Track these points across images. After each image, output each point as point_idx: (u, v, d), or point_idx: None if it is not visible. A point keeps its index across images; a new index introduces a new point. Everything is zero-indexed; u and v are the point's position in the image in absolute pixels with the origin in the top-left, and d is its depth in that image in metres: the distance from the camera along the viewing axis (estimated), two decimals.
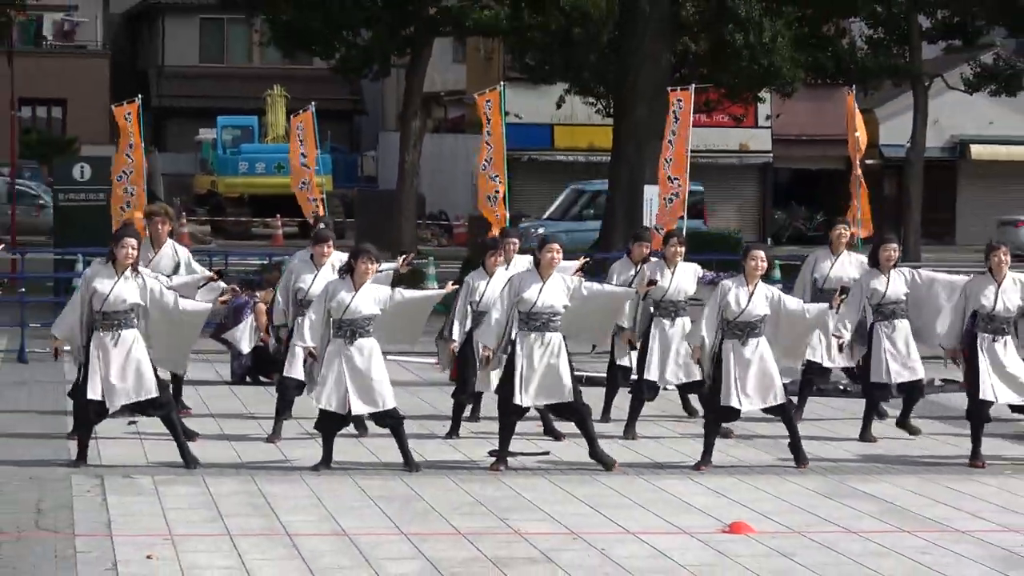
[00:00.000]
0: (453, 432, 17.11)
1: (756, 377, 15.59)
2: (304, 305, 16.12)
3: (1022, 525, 13.52)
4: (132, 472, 14.95)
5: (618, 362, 18.05)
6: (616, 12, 34.78)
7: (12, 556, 11.76)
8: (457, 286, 17.17)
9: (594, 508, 13.87)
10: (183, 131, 64.94)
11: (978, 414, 16.30)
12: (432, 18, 36.11)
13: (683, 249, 17.56)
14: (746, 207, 55.54)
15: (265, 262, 30.73)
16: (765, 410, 15.89)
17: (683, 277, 17.44)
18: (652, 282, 17.17)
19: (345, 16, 34.76)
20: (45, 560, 11.67)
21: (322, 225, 18.17)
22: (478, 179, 23.91)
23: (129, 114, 23.97)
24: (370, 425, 16.27)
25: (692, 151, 25.61)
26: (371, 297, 15.16)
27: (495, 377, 15.86)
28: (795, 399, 17.56)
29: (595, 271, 18.42)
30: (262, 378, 20.84)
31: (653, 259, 17.73)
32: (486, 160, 23.35)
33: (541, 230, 39.37)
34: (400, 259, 17.62)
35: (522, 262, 17.08)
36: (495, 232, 21.38)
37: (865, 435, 17.45)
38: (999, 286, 16.14)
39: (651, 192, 26.59)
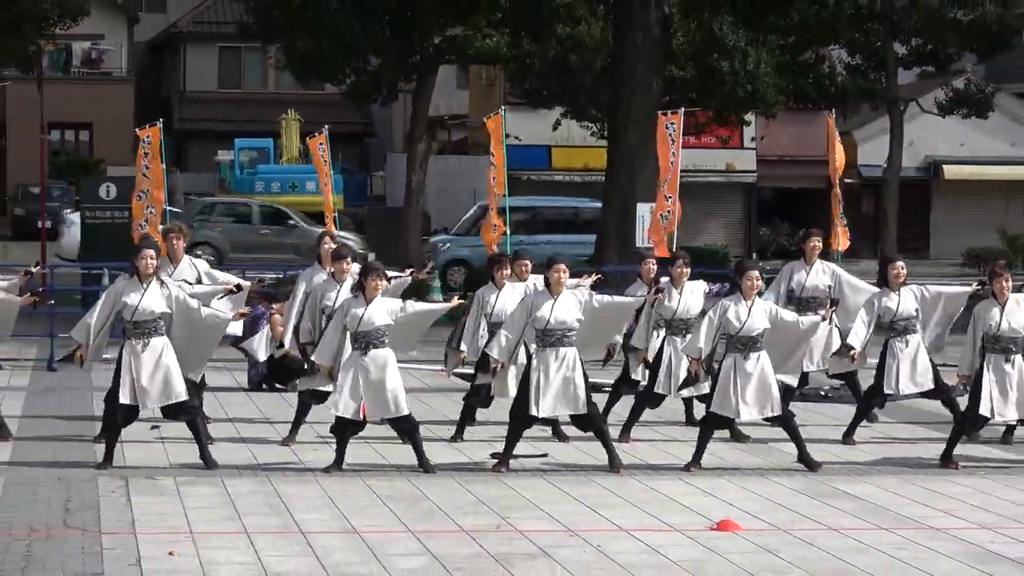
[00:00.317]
0: (458, 435, 17.09)
1: (756, 389, 15.59)
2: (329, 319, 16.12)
3: (994, 523, 13.50)
4: (155, 474, 14.94)
5: (632, 376, 18.02)
6: (609, 41, 34.79)
7: (42, 553, 11.75)
8: (462, 301, 17.20)
9: (590, 507, 13.86)
10: (203, 152, 64.91)
11: (971, 424, 16.31)
12: (437, 47, 36.13)
13: (688, 270, 17.50)
14: (732, 224, 55.55)
15: (280, 276, 30.79)
16: (766, 419, 15.89)
17: (691, 296, 17.38)
18: (660, 290, 17.13)
19: (355, 45, 34.76)
20: (73, 557, 11.66)
21: (331, 243, 18.04)
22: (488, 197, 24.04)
23: (149, 136, 23.96)
24: (372, 428, 16.24)
25: (681, 171, 25.65)
26: (384, 309, 15.18)
27: (512, 384, 15.89)
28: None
29: (600, 285, 18.34)
30: (277, 385, 20.84)
31: (662, 279, 17.67)
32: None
33: (448, 244, 39.45)
34: (424, 267, 17.80)
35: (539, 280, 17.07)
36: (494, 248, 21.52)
37: (848, 438, 17.45)
38: (1003, 308, 16.14)
39: (643, 210, 26.60)
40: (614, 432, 17.09)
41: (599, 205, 38.71)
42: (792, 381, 16.99)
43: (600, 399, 17.65)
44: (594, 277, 17.86)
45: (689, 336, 16.73)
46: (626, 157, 31.67)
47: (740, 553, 12.19)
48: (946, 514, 13.85)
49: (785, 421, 15.87)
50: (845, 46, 40.39)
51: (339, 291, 16.36)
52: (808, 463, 15.75)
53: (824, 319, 16.49)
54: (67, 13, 40.53)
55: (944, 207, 55.01)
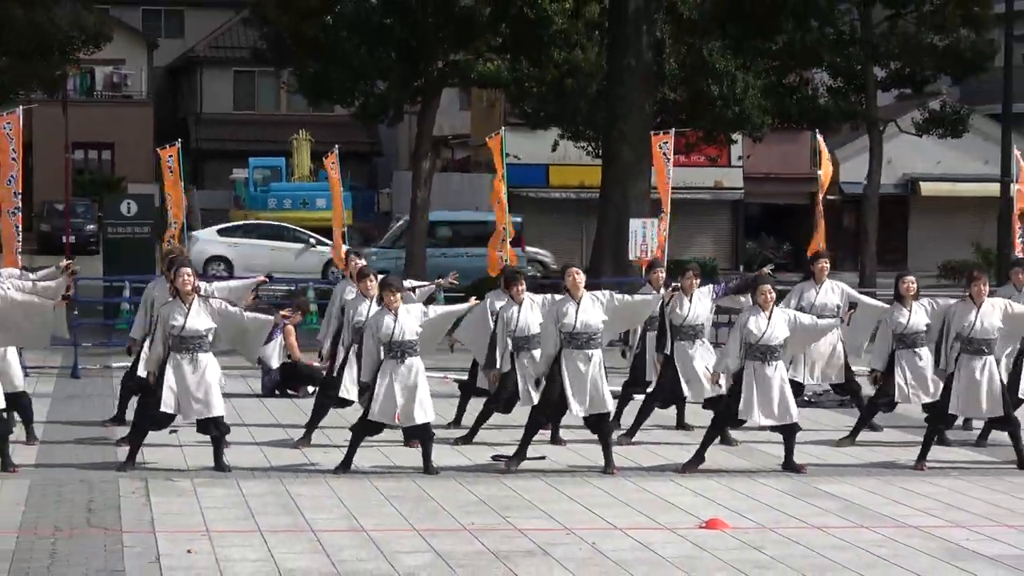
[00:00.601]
0: (470, 437, 17.10)
1: (776, 397, 15.58)
2: (360, 332, 16.19)
3: (968, 521, 13.51)
4: (173, 475, 14.94)
5: (646, 378, 18.06)
6: (604, 66, 34.82)
7: (67, 551, 11.75)
8: (478, 301, 17.26)
9: (585, 507, 13.86)
10: (219, 171, 64.93)
11: (941, 420, 16.33)
12: (441, 71, 36.11)
13: (698, 280, 17.46)
14: (720, 238, 55.54)
15: (293, 287, 30.78)
16: (772, 428, 15.89)
17: (700, 304, 17.36)
18: (676, 288, 17.15)
19: (363, 69, 34.77)
20: (96, 554, 11.66)
21: (362, 261, 18.12)
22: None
23: (171, 156, 24.01)
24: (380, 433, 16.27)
25: (672, 187, 25.71)
26: (414, 318, 15.26)
27: (535, 394, 15.93)
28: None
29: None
30: (289, 391, 20.84)
31: (674, 290, 17.56)
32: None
33: (373, 257, 39.40)
34: (446, 278, 17.90)
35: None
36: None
37: (849, 441, 17.47)
38: (979, 310, 16.14)
39: (636, 225, 26.60)
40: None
41: (518, 220, 38.94)
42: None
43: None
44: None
45: (697, 341, 17.14)
46: (620, 175, 31.68)
47: (728, 550, 12.19)
48: (923, 513, 13.86)
49: (791, 431, 15.83)
50: (827, 69, 40.41)
51: (369, 306, 16.43)
52: (793, 469, 15.74)
53: (843, 321, 17.01)
54: (90, 39, 40.58)
55: (921, 222, 55.02)
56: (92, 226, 52.39)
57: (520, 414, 16.43)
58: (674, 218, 26.03)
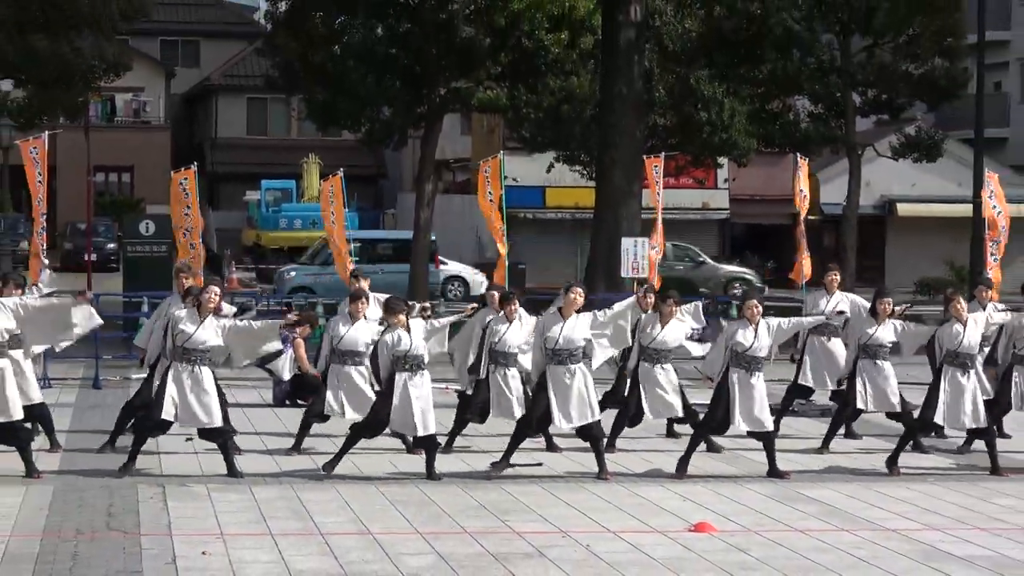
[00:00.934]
0: (448, 446, 17.05)
1: (757, 406, 15.61)
2: (336, 353, 16.16)
3: (942, 524, 13.50)
4: (189, 481, 14.93)
5: (620, 393, 18.11)
6: (597, 93, 34.84)
7: (88, 553, 11.74)
8: (476, 306, 17.36)
9: (580, 511, 13.84)
10: (233, 193, 64.98)
11: (921, 429, 16.32)
12: (443, 97, 36.12)
13: (677, 309, 17.39)
14: (708, 256, 55.52)
15: (302, 303, 30.75)
16: (750, 434, 15.89)
17: (672, 332, 17.18)
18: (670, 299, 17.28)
19: (370, 96, 34.79)
20: (115, 556, 11.65)
21: (364, 283, 18.04)
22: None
23: (186, 179, 23.97)
24: (383, 440, 16.24)
25: (663, 208, 25.73)
26: (421, 334, 15.29)
27: (518, 408, 15.89)
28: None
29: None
30: (300, 401, 20.81)
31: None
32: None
33: (293, 273, 39.35)
34: (467, 308, 18.16)
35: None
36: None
37: (823, 448, 17.49)
38: (965, 326, 16.18)
39: (627, 243, 26.59)
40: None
41: (432, 238, 39.21)
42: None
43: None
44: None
45: (659, 365, 16.96)
46: (613, 196, 31.67)
47: (715, 552, 12.18)
48: (900, 516, 13.85)
49: (768, 438, 15.85)
50: (809, 96, 40.44)
51: (350, 327, 16.40)
52: (778, 476, 15.74)
53: (827, 318, 17.45)
54: (111, 68, 40.62)
55: (898, 241, 55.02)
56: (112, 245, 52.42)
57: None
58: (664, 237, 26.02)
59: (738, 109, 37.38)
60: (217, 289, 15.45)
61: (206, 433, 15.35)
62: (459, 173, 60.42)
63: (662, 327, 17.12)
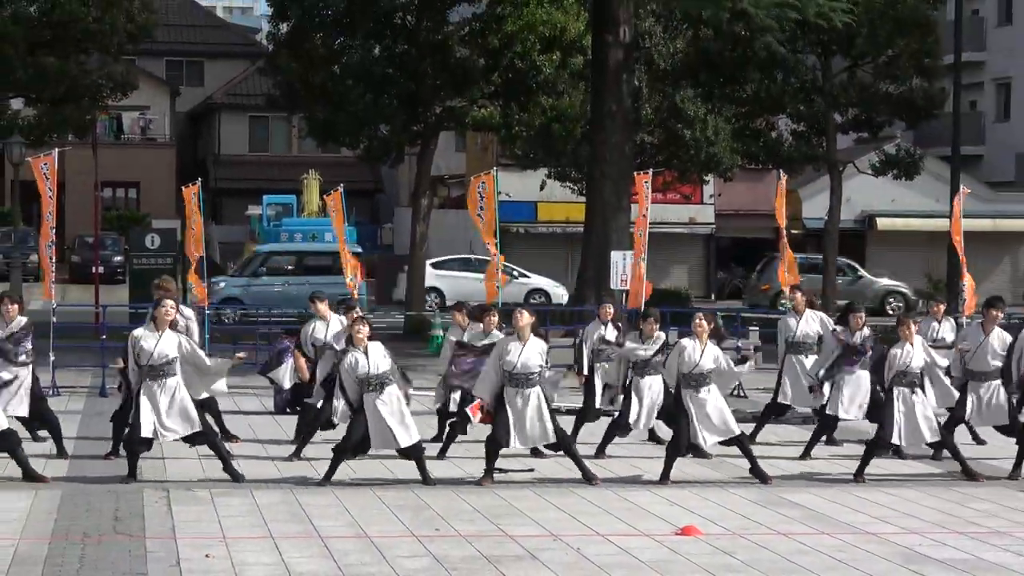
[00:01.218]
0: (442, 453, 17.05)
1: (714, 416, 15.60)
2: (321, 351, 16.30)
3: (920, 528, 13.51)
4: (192, 486, 14.92)
5: (599, 406, 18.13)
6: (587, 111, 34.88)
7: (95, 556, 11.73)
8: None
9: (571, 515, 13.84)
10: (236, 208, 64.98)
11: (881, 446, 16.34)
12: (438, 116, 36.14)
13: (658, 325, 17.31)
14: (694, 269, 55.60)
15: (303, 312, 30.72)
16: (723, 443, 15.88)
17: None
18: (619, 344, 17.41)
19: (368, 115, 34.79)
20: (122, 559, 11.64)
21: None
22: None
23: (194, 195, 24.00)
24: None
25: (650, 223, 25.74)
26: (380, 355, 15.20)
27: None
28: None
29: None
30: (300, 409, 20.76)
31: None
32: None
33: (223, 284, 39.31)
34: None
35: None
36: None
37: (805, 455, 17.50)
38: (912, 348, 16.22)
39: (617, 256, 26.59)
40: (587, 451, 17.14)
41: (358, 249, 39.19)
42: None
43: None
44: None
45: (650, 376, 17.00)
46: (602, 211, 31.68)
47: (701, 555, 12.18)
48: (879, 520, 13.86)
49: (741, 443, 15.88)
50: (791, 115, 40.47)
51: (326, 330, 16.90)
52: (760, 476, 15.75)
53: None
54: (118, 87, 40.62)
55: (877, 254, 55.05)
56: (119, 257, 52.38)
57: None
58: (652, 250, 26.03)
59: (723, 127, 37.46)
60: (171, 303, 15.43)
61: (191, 439, 15.34)
62: (454, 189, 60.45)
63: (655, 344, 17.08)
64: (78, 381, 23.86)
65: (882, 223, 54.47)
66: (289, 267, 39.95)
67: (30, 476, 14.93)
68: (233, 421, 18.98)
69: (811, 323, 19.00)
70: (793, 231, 31.01)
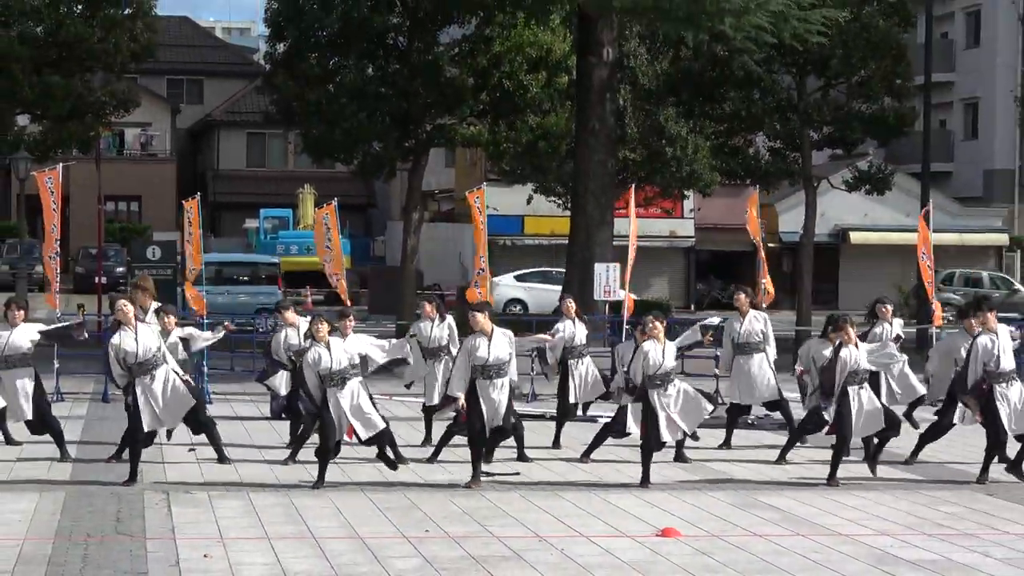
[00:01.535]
0: (434, 456, 17.02)
1: (683, 408, 15.66)
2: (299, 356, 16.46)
3: (892, 530, 13.51)
4: (191, 488, 14.89)
5: (573, 401, 18.24)
6: (572, 129, 34.89)
7: (97, 555, 11.71)
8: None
9: (555, 517, 13.83)
10: (233, 221, 64.96)
11: (842, 443, 16.36)
12: (429, 133, 36.09)
13: (663, 325, 16.94)
14: (674, 281, 55.64)
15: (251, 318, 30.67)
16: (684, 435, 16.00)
17: (668, 351, 16.90)
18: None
19: (361, 132, 34.73)
20: (123, 558, 11.62)
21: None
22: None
23: (191, 209, 23.96)
24: (372, 451, 16.19)
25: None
26: (340, 348, 15.23)
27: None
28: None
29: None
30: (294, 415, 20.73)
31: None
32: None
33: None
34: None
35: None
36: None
37: (781, 460, 17.48)
38: (858, 349, 16.28)
39: (600, 268, 26.62)
40: (574, 455, 17.13)
41: (276, 261, 38.99)
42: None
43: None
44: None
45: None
46: (586, 225, 31.69)
47: (681, 555, 12.18)
48: (852, 522, 13.86)
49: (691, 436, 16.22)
50: (768, 133, 40.51)
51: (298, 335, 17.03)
52: (682, 460, 16.45)
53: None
54: (121, 104, 40.54)
55: (850, 267, 55.19)
56: (121, 268, 52.19)
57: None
58: (634, 263, 26.03)
59: (702, 145, 37.52)
60: (124, 301, 15.45)
61: (192, 423, 15.59)
62: (444, 203, 60.48)
63: (663, 348, 16.81)
64: (81, 387, 23.83)
65: (855, 237, 54.58)
66: (216, 277, 39.85)
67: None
68: (231, 426, 18.97)
69: (754, 323, 18.85)
70: (769, 244, 31.00)
